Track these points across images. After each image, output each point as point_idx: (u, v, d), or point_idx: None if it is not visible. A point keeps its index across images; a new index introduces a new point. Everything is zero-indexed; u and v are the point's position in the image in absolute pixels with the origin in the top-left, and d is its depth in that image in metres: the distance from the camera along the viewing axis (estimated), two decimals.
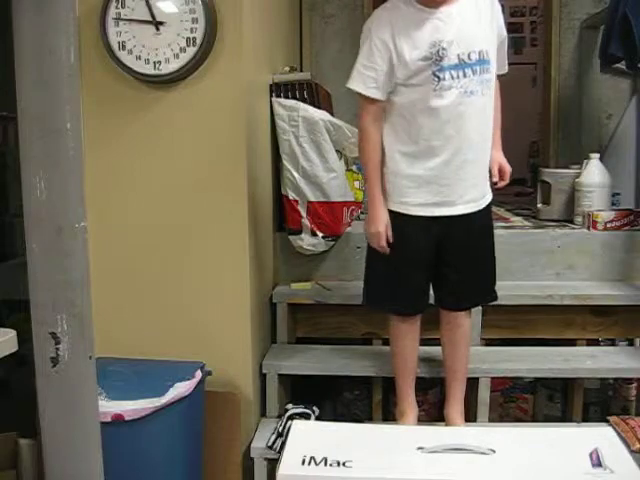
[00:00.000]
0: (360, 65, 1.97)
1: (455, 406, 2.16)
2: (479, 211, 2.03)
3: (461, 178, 1.97)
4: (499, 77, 2.09)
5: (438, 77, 1.89)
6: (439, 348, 2.22)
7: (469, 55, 1.89)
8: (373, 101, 1.98)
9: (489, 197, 2.08)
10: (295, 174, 2.47)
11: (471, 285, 2.10)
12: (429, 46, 1.88)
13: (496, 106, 2.09)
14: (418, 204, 1.99)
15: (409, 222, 2.01)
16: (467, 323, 2.16)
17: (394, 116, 1.98)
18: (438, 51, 1.88)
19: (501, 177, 2.13)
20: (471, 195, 2.00)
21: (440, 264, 2.06)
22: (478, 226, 2.07)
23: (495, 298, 2.15)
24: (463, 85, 1.90)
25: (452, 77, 1.89)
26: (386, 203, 2.01)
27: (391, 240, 2.00)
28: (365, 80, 1.96)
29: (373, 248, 2.04)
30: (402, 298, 2.09)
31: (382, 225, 2.00)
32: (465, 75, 1.90)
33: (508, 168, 2.14)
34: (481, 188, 2.03)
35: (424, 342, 2.40)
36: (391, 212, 2.01)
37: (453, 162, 1.95)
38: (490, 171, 2.09)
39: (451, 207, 1.99)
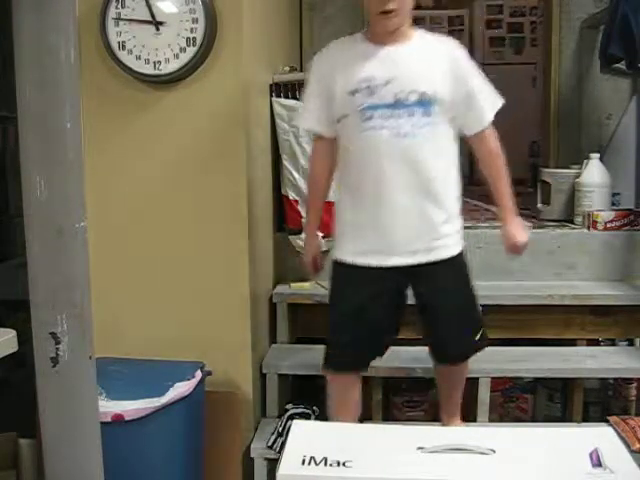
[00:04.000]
0: (303, 99, 1.95)
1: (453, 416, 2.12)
2: (439, 263, 1.86)
3: (398, 225, 1.83)
4: (501, 129, 2.00)
5: (367, 115, 1.78)
6: None
7: (408, 95, 1.77)
8: (317, 136, 1.95)
9: (453, 249, 1.90)
10: (295, 174, 2.47)
11: (450, 339, 1.95)
12: (360, 81, 1.78)
13: (495, 165, 1.95)
14: (355, 252, 1.87)
15: (349, 271, 1.89)
16: (461, 368, 2.06)
17: (338, 155, 1.91)
18: (369, 87, 1.77)
19: (515, 248, 1.94)
20: (417, 245, 1.84)
21: (419, 319, 1.97)
22: (443, 278, 1.89)
23: (481, 346, 1.99)
24: (396, 126, 1.77)
25: (384, 116, 1.77)
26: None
27: (319, 269, 2.04)
28: (304, 114, 1.95)
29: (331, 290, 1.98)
30: (335, 348, 1.95)
31: (309, 256, 2.02)
32: (400, 116, 1.77)
33: (521, 241, 1.91)
34: (430, 239, 1.85)
35: (424, 342, 2.40)
36: (335, 261, 1.93)
37: (386, 208, 1.82)
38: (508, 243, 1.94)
39: (391, 257, 1.84)
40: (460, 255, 1.92)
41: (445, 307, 1.90)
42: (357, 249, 1.87)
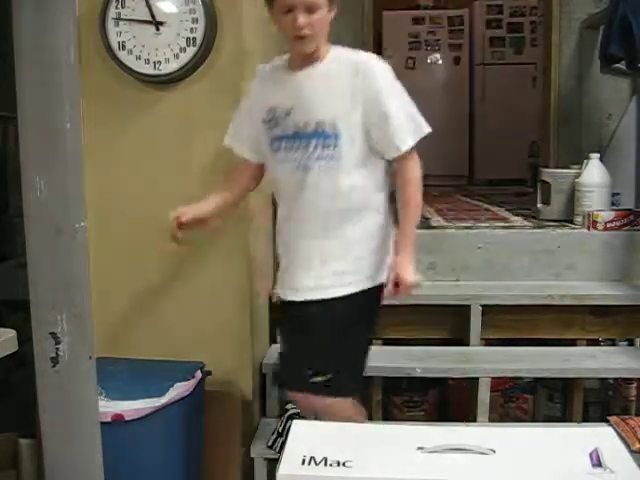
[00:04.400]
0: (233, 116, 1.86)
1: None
2: (321, 302, 1.69)
3: (297, 260, 1.75)
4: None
5: (275, 147, 1.71)
6: (439, 348, 2.22)
7: (305, 125, 1.65)
8: (244, 160, 1.85)
9: (339, 290, 1.69)
10: None
11: (287, 362, 1.83)
12: (268, 110, 1.71)
13: (407, 194, 1.73)
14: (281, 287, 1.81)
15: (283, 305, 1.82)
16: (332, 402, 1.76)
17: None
18: (274, 117, 1.70)
19: (395, 288, 1.63)
20: (307, 282, 1.72)
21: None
22: (314, 317, 1.71)
23: (324, 390, 1.71)
24: (297, 158, 1.67)
25: (287, 148, 1.68)
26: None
27: (180, 227, 1.81)
28: (229, 131, 1.85)
29: None
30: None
31: (177, 211, 1.81)
32: (299, 148, 1.66)
33: (406, 279, 1.62)
34: (317, 276, 1.71)
35: (424, 342, 2.41)
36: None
37: (291, 241, 1.76)
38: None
39: (292, 291, 1.76)
40: (351, 297, 1.69)
41: (299, 340, 1.77)
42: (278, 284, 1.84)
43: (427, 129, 1.68)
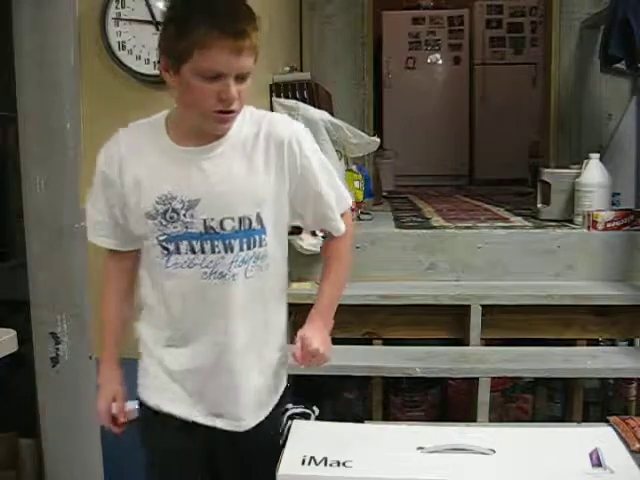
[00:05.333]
0: (88, 203, 1.38)
1: None
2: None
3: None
4: None
5: (167, 248, 1.27)
6: (440, 348, 2.22)
7: (222, 223, 1.26)
8: (111, 251, 1.39)
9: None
10: None
11: None
12: (158, 201, 1.26)
13: (334, 267, 1.42)
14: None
15: None
16: None
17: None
18: (167, 211, 1.26)
19: (303, 355, 1.28)
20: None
21: None
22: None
23: None
24: (209, 263, 1.27)
25: (191, 250, 1.27)
26: None
27: (122, 422, 1.47)
28: (90, 224, 1.38)
29: None
30: None
31: (101, 400, 1.39)
32: (213, 250, 1.26)
33: (313, 346, 1.28)
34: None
35: (424, 342, 2.41)
36: None
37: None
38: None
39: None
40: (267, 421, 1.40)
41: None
42: None
43: (349, 200, 1.40)
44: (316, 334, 1.31)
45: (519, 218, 2.98)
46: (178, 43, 1.17)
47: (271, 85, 2.50)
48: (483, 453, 1.26)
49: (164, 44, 1.22)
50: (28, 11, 0.69)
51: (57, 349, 0.74)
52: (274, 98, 2.48)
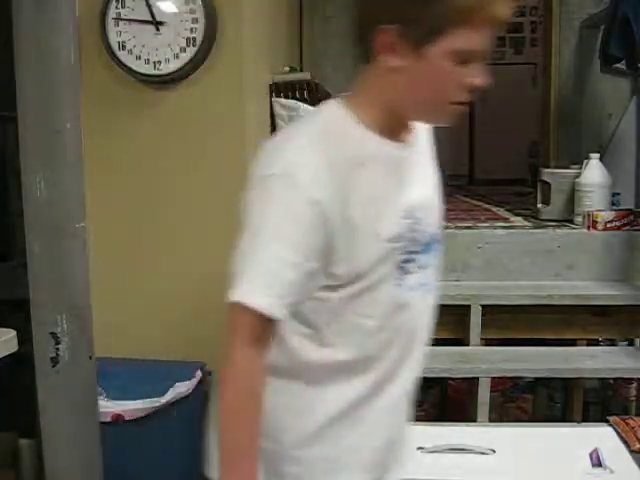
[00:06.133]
0: (265, 256, 0.98)
1: None
2: None
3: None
4: None
5: (404, 269, 1.04)
6: (440, 348, 2.21)
7: (435, 225, 1.11)
8: (264, 326, 0.97)
9: None
10: None
11: None
12: (405, 215, 1.03)
13: None
14: None
15: None
16: None
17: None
18: (412, 225, 1.04)
19: None
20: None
21: None
22: None
23: None
24: (428, 279, 1.11)
25: (421, 266, 1.07)
26: None
27: None
28: (272, 284, 0.96)
29: None
30: None
31: None
32: (433, 261, 1.11)
33: None
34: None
35: None
36: None
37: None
38: None
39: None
40: None
41: None
42: None
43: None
44: None
45: (519, 218, 2.98)
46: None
47: (271, 85, 2.50)
48: (483, 453, 1.26)
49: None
50: (28, 11, 0.69)
51: (57, 349, 0.74)
52: (274, 98, 2.48)
